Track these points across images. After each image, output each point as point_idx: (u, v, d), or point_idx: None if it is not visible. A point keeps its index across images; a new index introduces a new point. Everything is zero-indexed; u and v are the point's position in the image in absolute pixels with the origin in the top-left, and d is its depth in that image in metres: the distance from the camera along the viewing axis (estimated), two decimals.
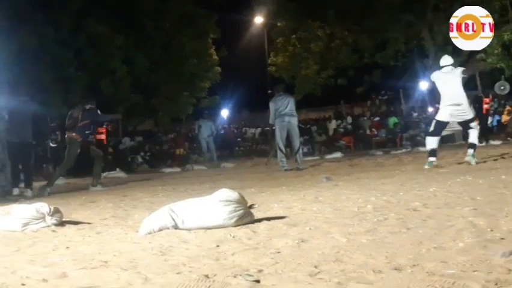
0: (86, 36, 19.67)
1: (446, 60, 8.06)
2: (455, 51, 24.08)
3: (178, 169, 14.82)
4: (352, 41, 26.57)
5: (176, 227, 3.27)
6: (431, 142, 7.71)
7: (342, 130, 23.85)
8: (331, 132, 23.25)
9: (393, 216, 3.28)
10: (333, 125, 24.38)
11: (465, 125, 7.73)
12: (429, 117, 23.06)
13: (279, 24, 28.41)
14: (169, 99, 24.75)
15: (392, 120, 24.53)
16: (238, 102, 31.82)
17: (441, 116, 7.75)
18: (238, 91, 29.83)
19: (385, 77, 26.98)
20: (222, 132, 27.15)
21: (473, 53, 23.65)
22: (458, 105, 7.59)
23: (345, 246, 2.50)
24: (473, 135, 7.58)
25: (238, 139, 26.97)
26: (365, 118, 25.18)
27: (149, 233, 3.22)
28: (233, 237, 2.96)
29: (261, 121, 29.27)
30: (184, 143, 22.82)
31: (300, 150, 10.04)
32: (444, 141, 20.49)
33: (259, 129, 27.82)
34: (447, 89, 7.73)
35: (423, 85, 24.94)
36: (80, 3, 19.38)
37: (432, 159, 7.43)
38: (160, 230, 3.25)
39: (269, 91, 30.84)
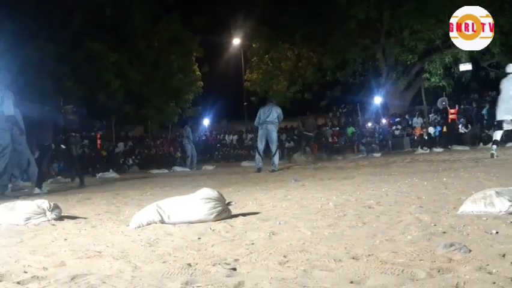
0: (84, 52, 19.45)
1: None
2: (404, 72, 24.67)
3: (165, 170, 14.70)
4: (317, 61, 26.87)
5: (162, 221, 3.22)
6: (497, 134, 7.55)
7: None
8: None
9: (351, 212, 3.30)
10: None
11: None
12: (382, 128, 23.53)
13: (254, 45, 28.59)
14: (157, 109, 24.63)
15: (350, 129, 24.81)
16: (218, 113, 31.83)
17: (498, 116, 7.42)
18: (218, 103, 29.85)
19: (345, 93, 27.41)
20: (204, 138, 27.07)
21: (419, 73, 24.17)
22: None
23: (310, 238, 2.50)
24: None
25: (218, 145, 26.92)
26: (327, 128, 25.37)
27: (139, 227, 3.17)
28: (213, 230, 2.93)
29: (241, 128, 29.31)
30: (178, 147, 22.53)
31: (277, 154, 10.05)
32: (394, 148, 20.88)
33: (236, 136, 27.79)
34: (504, 100, 7.20)
35: (377, 100, 25.36)
36: (80, 23, 19.18)
37: (494, 147, 7.37)
38: (148, 224, 3.20)
39: (245, 103, 30.97)
